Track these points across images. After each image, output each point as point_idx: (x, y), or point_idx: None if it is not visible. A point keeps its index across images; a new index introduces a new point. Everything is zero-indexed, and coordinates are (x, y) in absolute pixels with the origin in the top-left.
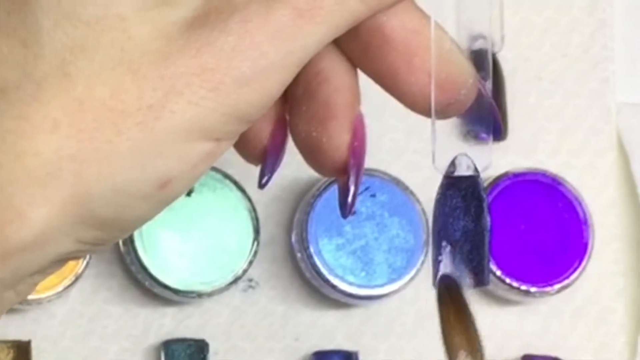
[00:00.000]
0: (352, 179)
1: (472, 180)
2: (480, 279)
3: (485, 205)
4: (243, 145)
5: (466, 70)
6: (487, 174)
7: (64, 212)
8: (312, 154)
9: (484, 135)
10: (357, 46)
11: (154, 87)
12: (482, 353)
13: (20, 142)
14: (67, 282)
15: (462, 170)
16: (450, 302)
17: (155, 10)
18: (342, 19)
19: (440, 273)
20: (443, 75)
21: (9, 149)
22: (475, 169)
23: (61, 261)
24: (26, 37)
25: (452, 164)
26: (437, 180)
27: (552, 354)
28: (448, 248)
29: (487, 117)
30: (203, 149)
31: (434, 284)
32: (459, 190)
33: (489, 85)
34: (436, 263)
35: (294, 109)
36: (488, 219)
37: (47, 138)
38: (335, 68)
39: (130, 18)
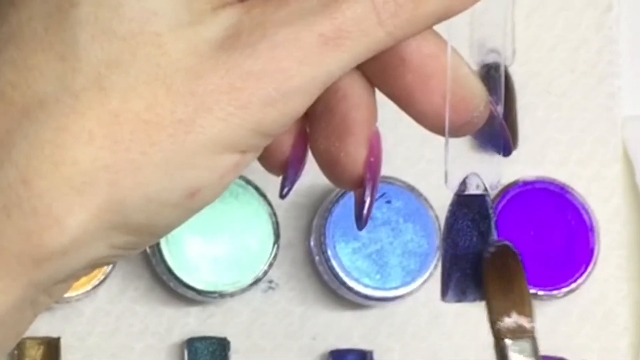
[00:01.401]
0: (367, 193)
1: (481, 199)
2: (483, 292)
3: (492, 223)
4: (266, 157)
5: (480, 94)
6: (502, 183)
7: (99, 219)
8: (330, 167)
9: (484, 145)
10: (375, 67)
11: (186, 102)
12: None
13: (58, 152)
14: (95, 282)
15: (472, 189)
16: (494, 268)
17: (189, 28)
18: (367, 48)
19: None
20: (457, 99)
21: (47, 158)
22: (485, 188)
23: (94, 265)
24: (64, 51)
25: (463, 182)
26: None
27: (559, 354)
28: (456, 262)
29: (497, 137)
30: (230, 160)
31: (442, 298)
32: (468, 208)
33: (500, 108)
34: (445, 278)
35: (314, 124)
36: (495, 236)
37: (84, 149)
38: (354, 86)
39: (165, 35)
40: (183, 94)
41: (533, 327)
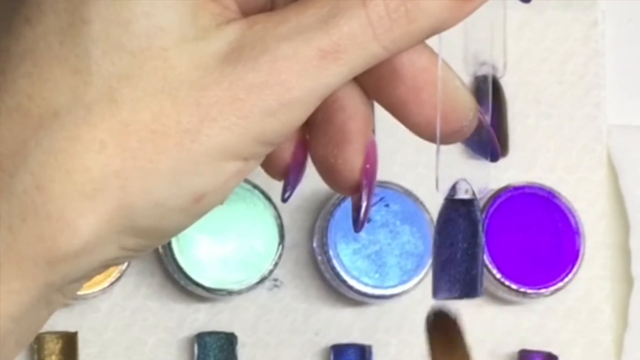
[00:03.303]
0: (364, 198)
1: (470, 203)
2: (472, 292)
3: (480, 226)
4: (268, 164)
5: (469, 105)
6: (490, 187)
7: (110, 223)
8: (328, 174)
9: (474, 151)
10: (370, 79)
11: (191, 113)
12: None
13: (71, 160)
14: (111, 279)
15: (462, 194)
16: (439, 338)
17: (194, 43)
18: (363, 61)
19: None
20: (448, 110)
21: (61, 166)
22: (473, 193)
23: (106, 266)
24: (77, 65)
25: (453, 187)
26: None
27: (546, 349)
28: (446, 263)
29: (485, 144)
30: (233, 167)
31: (433, 296)
32: (457, 212)
33: (488, 117)
34: (436, 278)
35: (313, 133)
36: (482, 238)
37: (95, 157)
38: (351, 97)
39: (171, 49)
40: (188, 105)
41: None
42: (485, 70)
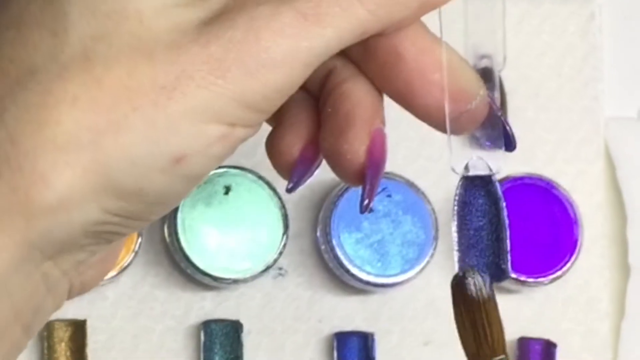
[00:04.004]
0: (368, 179)
1: (488, 179)
2: (501, 276)
3: (502, 203)
4: (276, 156)
5: (476, 82)
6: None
7: (85, 178)
8: (335, 160)
9: (488, 143)
10: (375, 66)
11: (167, 70)
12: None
13: (43, 113)
14: (119, 268)
15: (478, 171)
16: (463, 302)
17: (174, 9)
18: (349, 25)
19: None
20: (454, 88)
21: (33, 119)
22: (490, 169)
23: (96, 236)
24: (55, 27)
25: (467, 166)
26: (445, 183)
27: (545, 337)
28: (470, 247)
29: (498, 133)
30: (216, 131)
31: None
32: (476, 191)
33: (497, 99)
34: (460, 263)
35: (323, 127)
36: (506, 216)
37: (68, 110)
38: (357, 88)
39: (147, 12)
40: (164, 63)
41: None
42: (486, 63)
